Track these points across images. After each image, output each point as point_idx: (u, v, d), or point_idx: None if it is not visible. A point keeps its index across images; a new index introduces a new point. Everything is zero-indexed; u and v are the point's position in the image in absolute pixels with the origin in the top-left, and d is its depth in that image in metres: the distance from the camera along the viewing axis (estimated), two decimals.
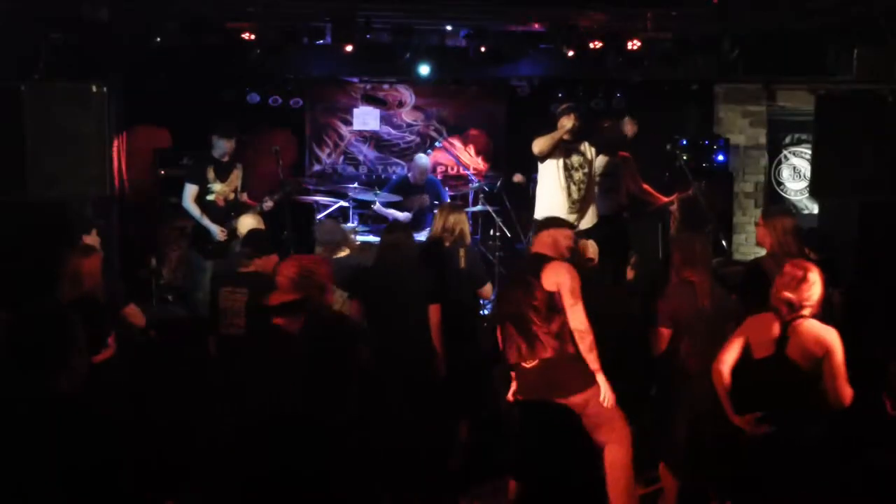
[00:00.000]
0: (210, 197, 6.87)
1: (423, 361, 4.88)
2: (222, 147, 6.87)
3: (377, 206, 7.98)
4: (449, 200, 8.29)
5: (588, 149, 6.63)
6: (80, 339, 2.53)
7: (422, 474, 4.94)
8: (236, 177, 7.01)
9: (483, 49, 7.82)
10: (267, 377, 3.51)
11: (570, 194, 6.51)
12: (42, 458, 2.30)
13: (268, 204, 6.86)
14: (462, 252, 5.47)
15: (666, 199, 7.25)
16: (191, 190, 6.84)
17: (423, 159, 8.33)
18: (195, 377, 4.97)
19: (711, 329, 4.64)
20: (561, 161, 6.48)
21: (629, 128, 6.58)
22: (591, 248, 5.11)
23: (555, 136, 6.33)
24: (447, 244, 5.43)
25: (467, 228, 5.60)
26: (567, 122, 6.36)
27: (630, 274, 5.51)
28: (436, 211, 5.61)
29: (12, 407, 2.39)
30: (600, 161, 6.99)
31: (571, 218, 6.54)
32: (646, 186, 7.27)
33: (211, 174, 6.87)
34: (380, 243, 5.18)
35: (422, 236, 7.36)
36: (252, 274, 4.78)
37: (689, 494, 4.68)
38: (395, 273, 4.98)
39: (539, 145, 6.34)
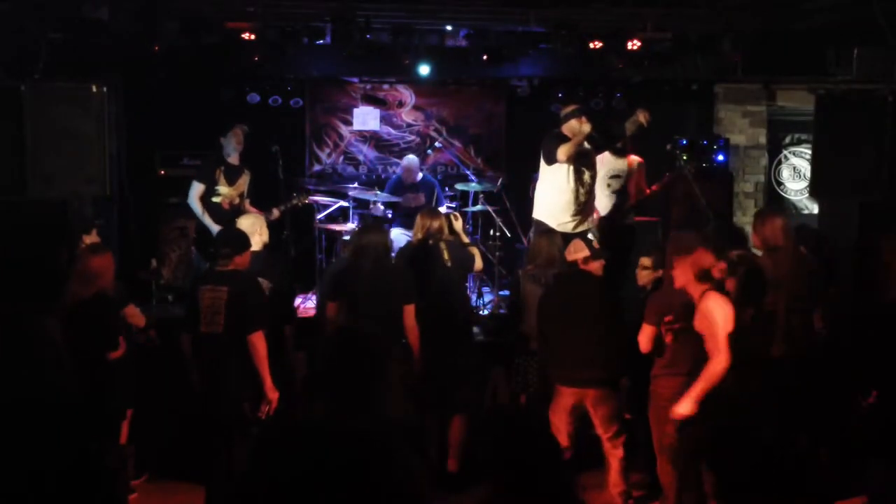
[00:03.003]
0: (216, 199, 6.86)
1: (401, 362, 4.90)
2: (231, 147, 6.85)
3: (376, 209, 8.03)
4: (446, 201, 8.30)
5: (593, 151, 6.64)
6: (48, 344, 2.50)
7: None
8: (244, 182, 7.00)
9: (483, 49, 7.82)
10: None
11: (577, 196, 6.52)
12: (45, 460, 2.29)
13: (274, 214, 6.85)
14: (443, 246, 5.49)
15: (649, 190, 7.23)
16: (197, 188, 6.83)
17: (409, 159, 8.37)
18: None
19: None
20: (573, 163, 6.48)
21: (643, 116, 6.54)
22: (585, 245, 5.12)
23: (577, 140, 6.35)
24: (430, 243, 5.46)
25: (445, 226, 5.63)
26: (584, 126, 6.37)
27: (643, 277, 5.49)
28: (417, 217, 5.63)
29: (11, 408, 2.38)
30: (611, 162, 7.02)
31: (575, 220, 6.56)
32: (648, 192, 7.26)
33: (219, 176, 6.86)
34: (353, 245, 5.20)
35: None
36: (231, 272, 4.78)
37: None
38: (371, 274, 5.02)
39: (567, 152, 6.33)
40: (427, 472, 4.60)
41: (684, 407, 4.27)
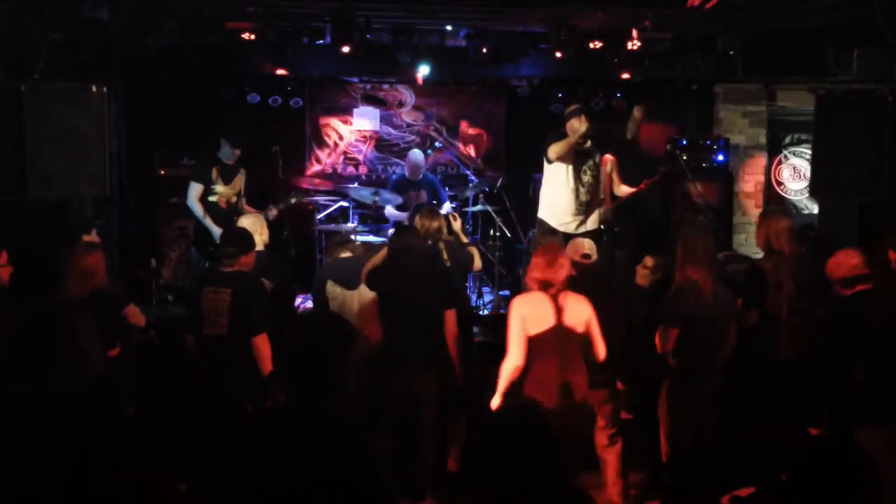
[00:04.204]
0: (213, 198, 6.86)
1: (436, 368, 4.86)
2: (229, 152, 6.86)
3: (387, 212, 8.01)
4: (447, 200, 8.30)
5: (595, 151, 6.62)
6: (85, 339, 2.51)
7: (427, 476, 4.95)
8: (240, 181, 7.00)
9: (483, 49, 7.82)
10: None
11: (578, 196, 6.51)
12: (46, 460, 2.29)
13: (272, 213, 6.84)
14: (442, 246, 5.49)
15: (634, 189, 6.97)
16: (195, 189, 6.83)
17: (416, 154, 8.35)
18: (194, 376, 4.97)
19: (712, 328, 4.66)
20: (571, 163, 6.47)
21: (637, 111, 6.51)
22: (587, 246, 5.10)
23: (570, 140, 6.32)
24: (429, 243, 5.46)
25: (444, 226, 5.62)
26: (580, 126, 6.34)
27: (642, 277, 5.49)
28: (416, 217, 5.62)
29: (17, 407, 2.38)
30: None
31: (577, 220, 6.55)
32: (625, 189, 7.01)
33: (215, 175, 6.86)
34: (390, 247, 5.13)
35: None
36: (235, 273, 4.75)
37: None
38: (409, 277, 4.89)
39: (556, 151, 6.32)
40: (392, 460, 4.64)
41: (494, 401, 4.46)
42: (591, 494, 2.39)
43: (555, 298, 4.39)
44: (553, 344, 4.39)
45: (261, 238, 5.52)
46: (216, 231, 6.71)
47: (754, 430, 4.95)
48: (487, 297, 7.82)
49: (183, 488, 2.57)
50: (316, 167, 9.31)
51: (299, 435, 2.37)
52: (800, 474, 2.24)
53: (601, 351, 4.52)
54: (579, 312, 4.45)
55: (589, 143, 6.52)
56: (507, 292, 6.52)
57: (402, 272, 4.92)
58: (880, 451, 2.48)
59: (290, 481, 2.32)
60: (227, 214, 6.80)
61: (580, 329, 4.45)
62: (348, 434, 2.39)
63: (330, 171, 9.32)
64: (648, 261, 5.48)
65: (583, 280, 5.00)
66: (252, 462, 2.37)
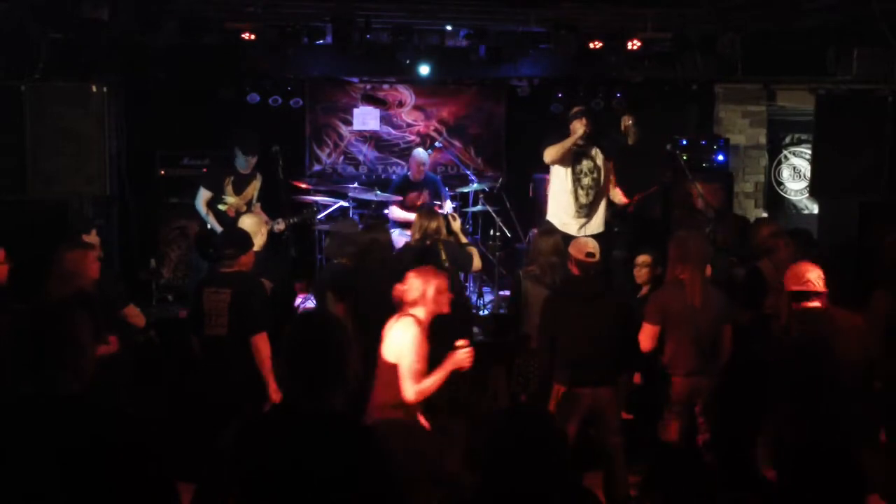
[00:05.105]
0: (222, 206, 6.83)
1: None
2: (243, 162, 6.81)
3: (392, 214, 8.00)
4: (448, 200, 8.30)
5: (598, 154, 6.60)
6: (84, 338, 2.52)
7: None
8: (253, 188, 6.96)
9: (483, 49, 7.82)
10: None
11: (577, 198, 6.49)
12: (51, 459, 2.29)
13: (279, 227, 6.81)
14: (441, 246, 5.49)
15: (627, 200, 6.88)
16: (204, 194, 6.79)
17: (420, 153, 8.33)
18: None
19: (700, 328, 4.65)
20: (569, 165, 6.46)
21: (623, 123, 6.52)
22: (592, 245, 5.10)
23: (566, 143, 6.29)
24: (428, 243, 5.45)
25: (443, 226, 5.61)
26: (579, 128, 6.32)
27: (642, 275, 5.49)
28: (415, 217, 5.61)
29: (19, 407, 2.38)
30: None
31: (578, 222, 6.53)
32: (619, 195, 6.91)
33: (228, 185, 6.83)
34: (357, 244, 5.15)
35: None
36: (235, 274, 4.76)
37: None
38: (374, 273, 4.95)
39: (551, 154, 6.31)
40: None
41: None
42: (597, 495, 2.39)
43: (395, 321, 4.13)
44: (378, 367, 4.15)
45: (262, 238, 5.53)
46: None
47: (751, 430, 4.96)
48: (488, 297, 7.82)
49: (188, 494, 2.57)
50: (316, 167, 9.32)
51: (307, 433, 2.36)
52: (791, 476, 2.24)
53: (404, 390, 3.98)
54: (394, 342, 4.06)
55: (591, 146, 6.50)
56: (506, 292, 6.52)
57: (367, 269, 4.95)
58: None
59: (298, 479, 2.31)
60: (234, 222, 6.76)
61: (389, 358, 4.05)
62: (359, 431, 2.39)
63: (330, 171, 9.32)
64: (647, 258, 5.48)
65: (582, 279, 5.02)
66: (256, 461, 2.37)
